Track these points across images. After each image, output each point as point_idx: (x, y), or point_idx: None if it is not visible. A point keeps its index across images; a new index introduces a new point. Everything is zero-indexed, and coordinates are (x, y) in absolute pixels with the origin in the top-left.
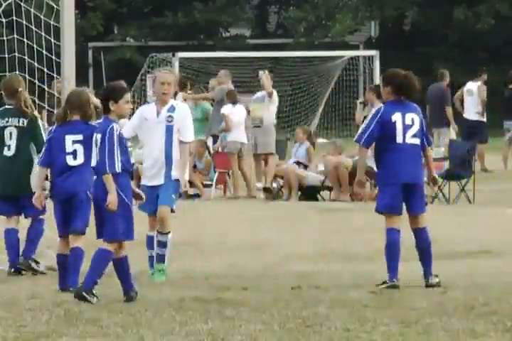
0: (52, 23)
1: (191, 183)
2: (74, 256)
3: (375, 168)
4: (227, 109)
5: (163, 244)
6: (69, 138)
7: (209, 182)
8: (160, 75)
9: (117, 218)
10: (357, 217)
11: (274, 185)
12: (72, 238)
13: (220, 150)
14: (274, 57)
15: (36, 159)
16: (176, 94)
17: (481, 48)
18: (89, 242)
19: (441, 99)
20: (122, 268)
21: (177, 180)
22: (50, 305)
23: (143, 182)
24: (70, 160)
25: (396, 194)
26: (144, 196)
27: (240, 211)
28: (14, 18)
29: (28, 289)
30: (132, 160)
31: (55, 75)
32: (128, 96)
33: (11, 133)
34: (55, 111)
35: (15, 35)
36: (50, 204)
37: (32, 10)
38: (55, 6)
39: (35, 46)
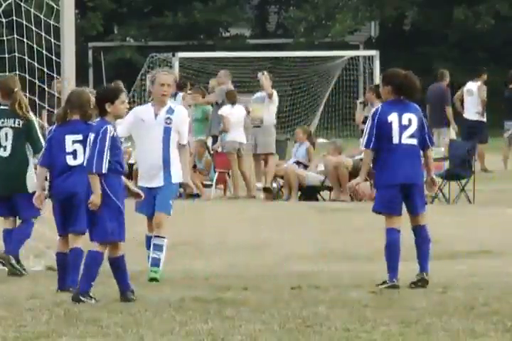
0: (52, 23)
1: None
2: (74, 256)
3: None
4: (225, 110)
5: (159, 248)
6: (69, 138)
7: (209, 182)
8: (159, 76)
9: (106, 219)
10: (357, 217)
11: (274, 185)
12: (72, 238)
13: (219, 150)
14: (274, 57)
15: (32, 160)
16: (175, 94)
17: (481, 48)
18: (89, 242)
19: (441, 99)
20: (118, 267)
21: (176, 183)
22: (50, 305)
23: (140, 183)
24: (70, 160)
25: (394, 195)
26: (142, 194)
27: (240, 211)
28: (14, 18)
29: (28, 289)
30: (132, 161)
31: (55, 75)
32: (123, 96)
33: (6, 134)
34: (55, 111)
35: (15, 35)
36: (49, 206)
37: (32, 10)
38: (55, 6)
39: (35, 46)
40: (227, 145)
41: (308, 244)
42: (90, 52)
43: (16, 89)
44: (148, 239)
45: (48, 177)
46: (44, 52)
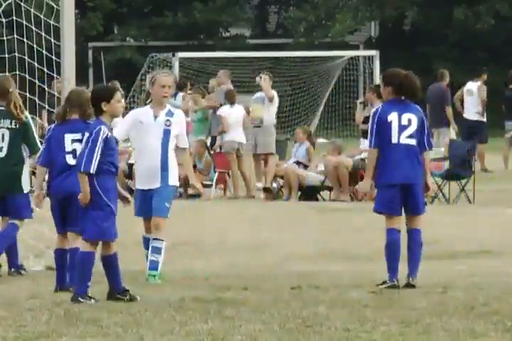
0: (52, 23)
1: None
2: (73, 255)
3: None
4: (223, 111)
5: (158, 250)
6: (68, 137)
7: (209, 182)
8: (160, 78)
9: (97, 219)
10: (357, 217)
11: (274, 185)
12: (72, 238)
13: (218, 150)
14: (274, 57)
15: (28, 160)
16: (175, 94)
17: (481, 48)
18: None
19: (441, 99)
20: (110, 265)
21: (173, 185)
22: (50, 305)
23: (137, 185)
24: (69, 159)
25: (393, 195)
26: (130, 200)
27: (240, 211)
28: (14, 18)
29: (28, 289)
30: (132, 161)
31: (55, 75)
32: (119, 94)
33: (3, 135)
34: (55, 111)
35: (15, 35)
36: (47, 205)
37: (32, 10)
38: (55, 6)
39: (35, 46)
40: (226, 145)
41: (308, 244)
42: (90, 52)
43: (10, 90)
44: (145, 240)
45: (47, 177)
46: (44, 52)
